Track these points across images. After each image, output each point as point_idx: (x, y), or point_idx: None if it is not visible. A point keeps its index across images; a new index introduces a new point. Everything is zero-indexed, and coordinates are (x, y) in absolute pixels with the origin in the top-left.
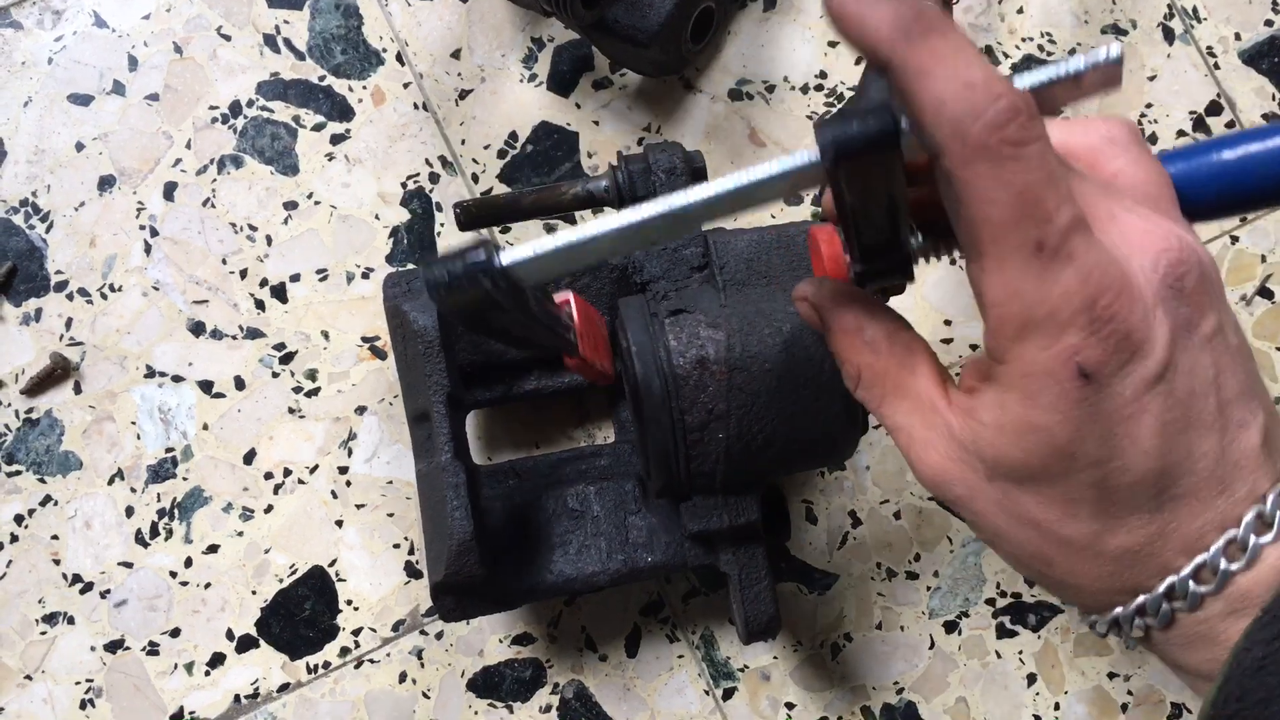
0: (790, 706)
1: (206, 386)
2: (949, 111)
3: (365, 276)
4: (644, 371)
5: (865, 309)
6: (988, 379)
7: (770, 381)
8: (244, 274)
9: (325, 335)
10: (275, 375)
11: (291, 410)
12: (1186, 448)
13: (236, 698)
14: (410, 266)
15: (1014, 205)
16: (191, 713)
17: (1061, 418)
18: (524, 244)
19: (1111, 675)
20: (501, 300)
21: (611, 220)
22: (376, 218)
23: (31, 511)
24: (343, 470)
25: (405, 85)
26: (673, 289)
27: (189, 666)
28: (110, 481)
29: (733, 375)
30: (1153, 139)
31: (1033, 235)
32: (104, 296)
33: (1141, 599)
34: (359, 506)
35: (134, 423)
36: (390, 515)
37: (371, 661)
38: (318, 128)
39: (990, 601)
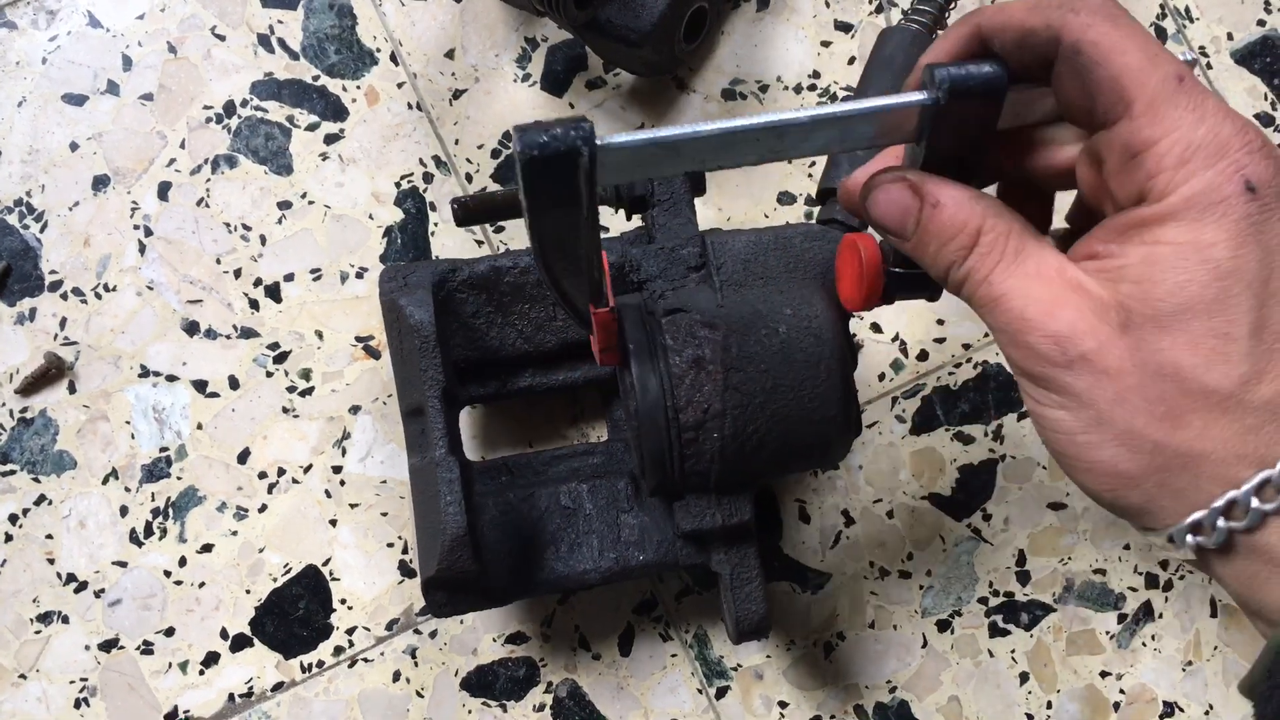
0: (783, 705)
1: (200, 386)
2: (1073, 1)
3: (359, 276)
4: (640, 370)
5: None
6: (1131, 228)
7: (766, 382)
8: (238, 274)
9: (319, 335)
10: (269, 375)
11: (285, 410)
12: None
13: (231, 697)
14: (404, 263)
15: (1143, 48)
16: (186, 712)
17: (1227, 235)
18: (618, 133)
19: (1104, 674)
20: (585, 185)
21: (706, 125)
22: (370, 217)
23: (26, 511)
24: (336, 469)
25: (399, 85)
26: (669, 288)
27: (183, 665)
28: (104, 481)
29: (729, 375)
30: None
31: (1171, 69)
32: (98, 296)
33: (1266, 473)
34: (353, 506)
35: (128, 422)
36: (384, 514)
37: (365, 660)
38: (312, 127)
39: (983, 600)
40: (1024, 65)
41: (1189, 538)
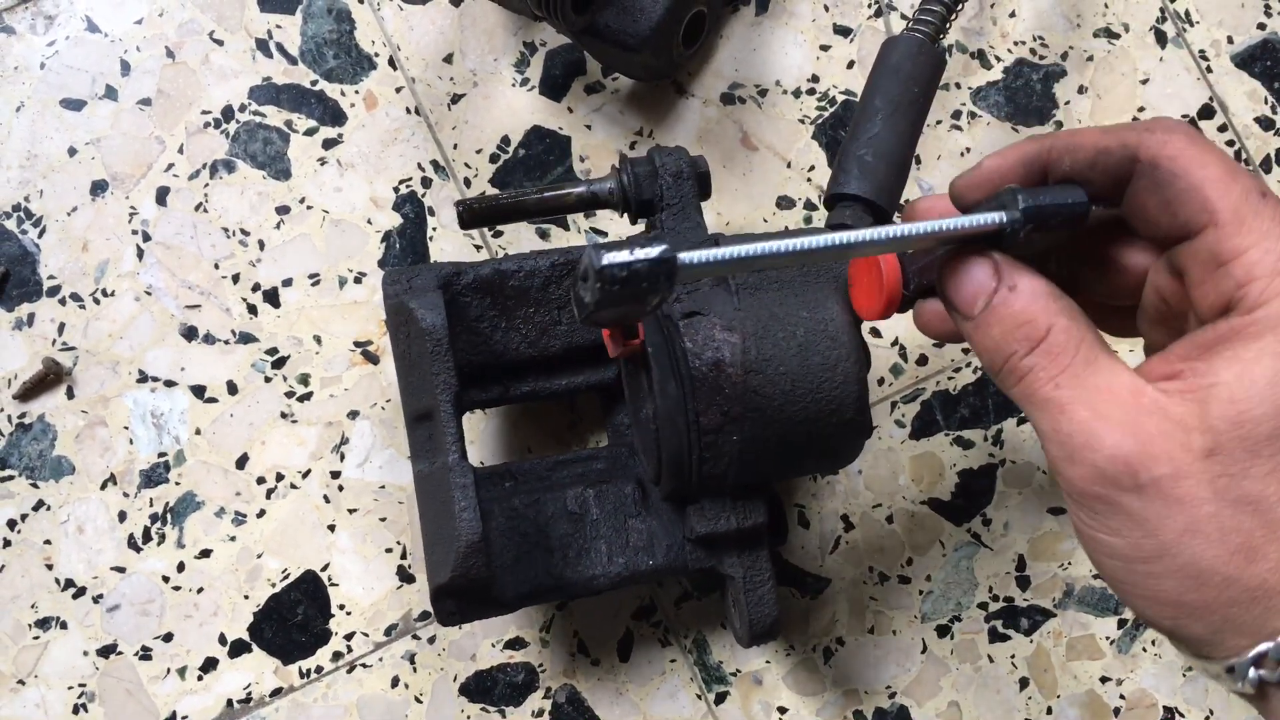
0: (783, 711)
1: (199, 391)
2: (1148, 123)
3: (358, 281)
4: (660, 374)
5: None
6: (1220, 343)
7: (785, 384)
8: (236, 279)
9: (317, 340)
10: (267, 380)
11: (284, 415)
12: None
13: (229, 702)
14: (407, 266)
15: (1221, 162)
16: (184, 717)
17: None
18: (698, 249)
19: (1104, 679)
20: (660, 301)
21: (784, 242)
22: (369, 222)
23: (24, 516)
24: (335, 475)
25: (397, 90)
26: (685, 291)
27: (181, 671)
28: (103, 486)
29: (749, 378)
30: None
31: (1252, 183)
32: (96, 301)
33: None
34: (351, 511)
35: (126, 427)
36: (383, 520)
37: (364, 666)
38: (310, 132)
39: (982, 606)
40: (1093, 184)
41: (1251, 671)
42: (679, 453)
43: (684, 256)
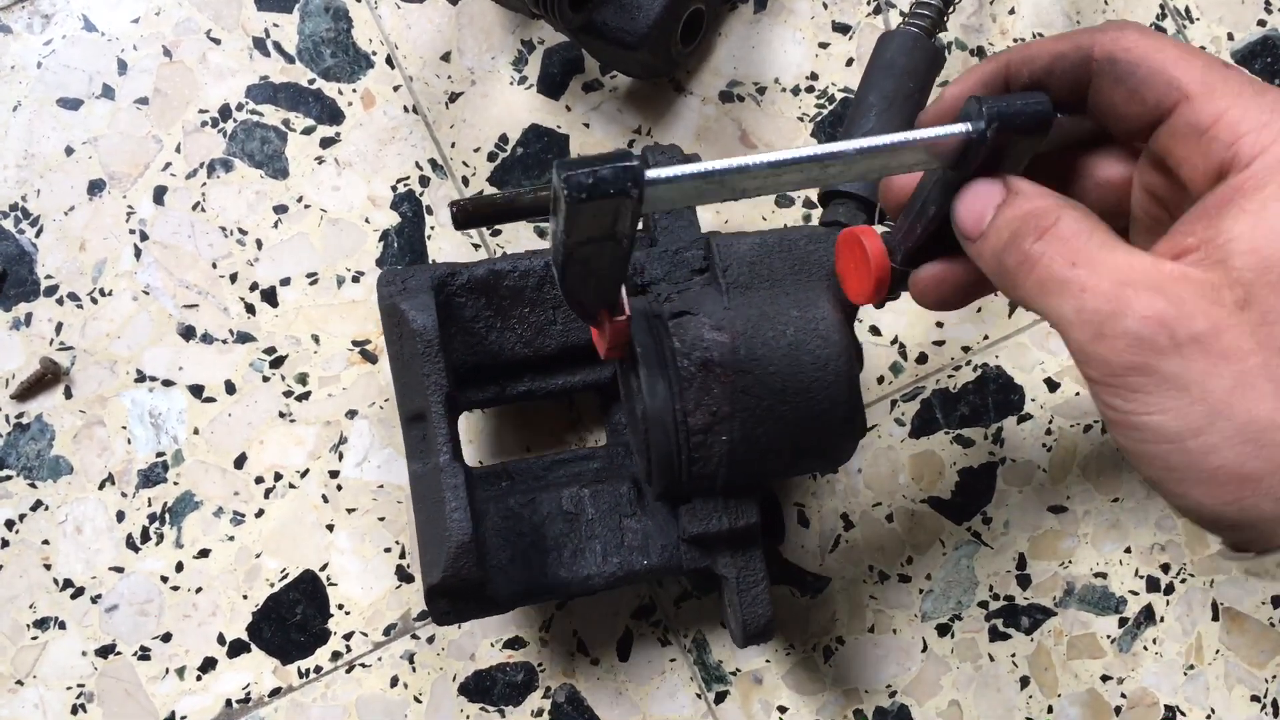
0: (783, 710)
1: (197, 391)
2: (1098, 26)
3: (355, 280)
4: (649, 373)
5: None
6: (1225, 204)
7: (775, 384)
8: (234, 278)
9: (315, 339)
10: (266, 379)
11: (282, 414)
12: None
13: (228, 702)
14: (403, 266)
15: (1175, 44)
16: (183, 718)
17: None
18: (664, 166)
19: (1105, 678)
20: (629, 222)
21: (755, 158)
22: (366, 221)
23: (22, 516)
24: (333, 474)
25: (395, 88)
26: (675, 291)
27: (180, 671)
28: (101, 486)
29: (738, 378)
30: None
31: (1213, 57)
32: (94, 301)
33: None
34: (350, 510)
35: (124, 427)
36: (381, 519)
37: (363, 666)
38: (307, 131)
39: (983, 604)
40: (1054, 91)
41: None
42: (668, 453)
43: (651, 172)
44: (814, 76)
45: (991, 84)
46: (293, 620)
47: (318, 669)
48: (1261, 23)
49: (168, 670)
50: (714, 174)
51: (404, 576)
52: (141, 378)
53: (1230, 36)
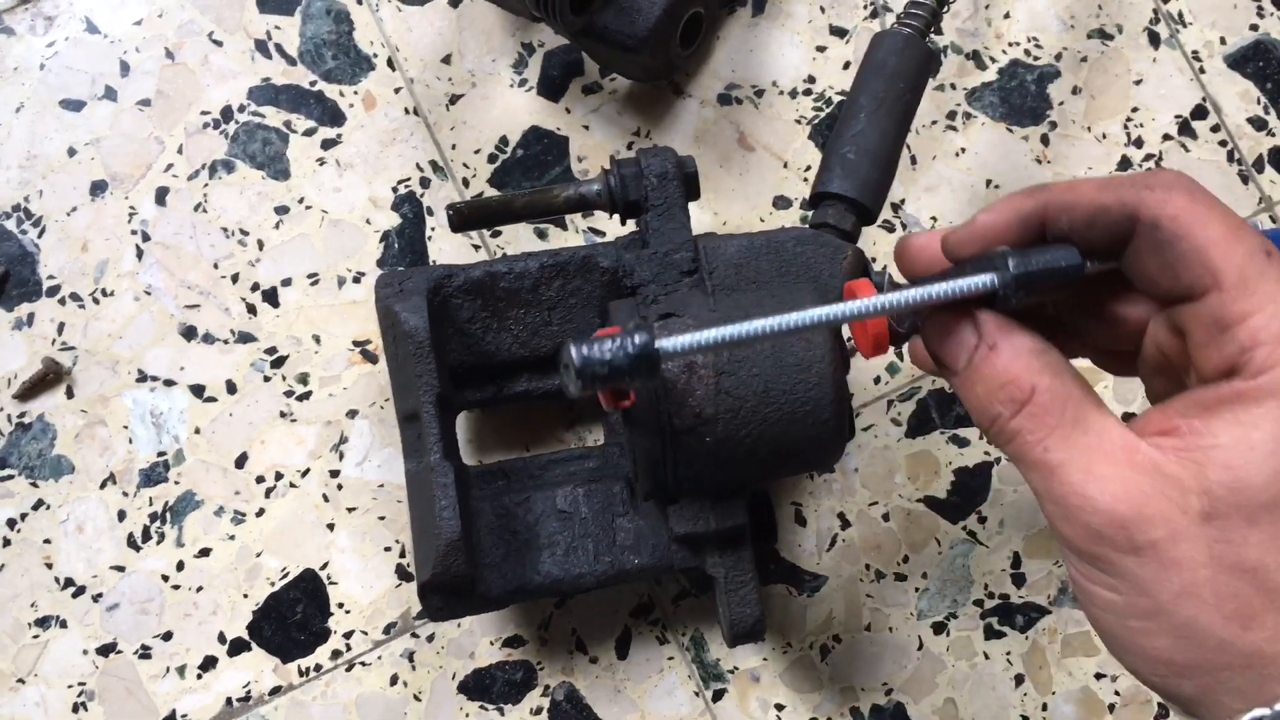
0: (780, 708)
1: (198, 391)
2: (1147, 178)
3: (356, 281)
4: None
5: (1037, 334)
6: (1221, 404)
7: (758, 386)
8: (235, 278)
9: (316, 339)
10: (267, 379)
11: (283, 414)
12: None
13: (228, 701)
14: (401, 268)
15: (1224, 220)
16: (183, 716)
17: None
18: (681, 335)
19: (1099, 675)
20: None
21: (765, 321)
22: (367, 222)
23: (24, 515)
24: (334, 474)
25: (396, 90)
26: (663, 293)
27: (181, 670)
28: (102, 485)
29: (720, 379)
30: (1138, 143)
31: (1257, 242)
32: (96, 301)
33: None
34: (350, 510)
35: (126, 427)
36: (381, 518)
37: (363, 664)
38: (309, 133)
39: (978, 603)
40: (1091, 242)
41: None
42: (653, 454)
43: (664, 344)
44: (811, 79)
45: (1028, 223)
46: (293, 619)
47: (318, 667)
48: (1254, 27)
49: (168, 669)
50: (725, 340)
51: (404, 575)
52: (143, 377)
53: (1223, 41)
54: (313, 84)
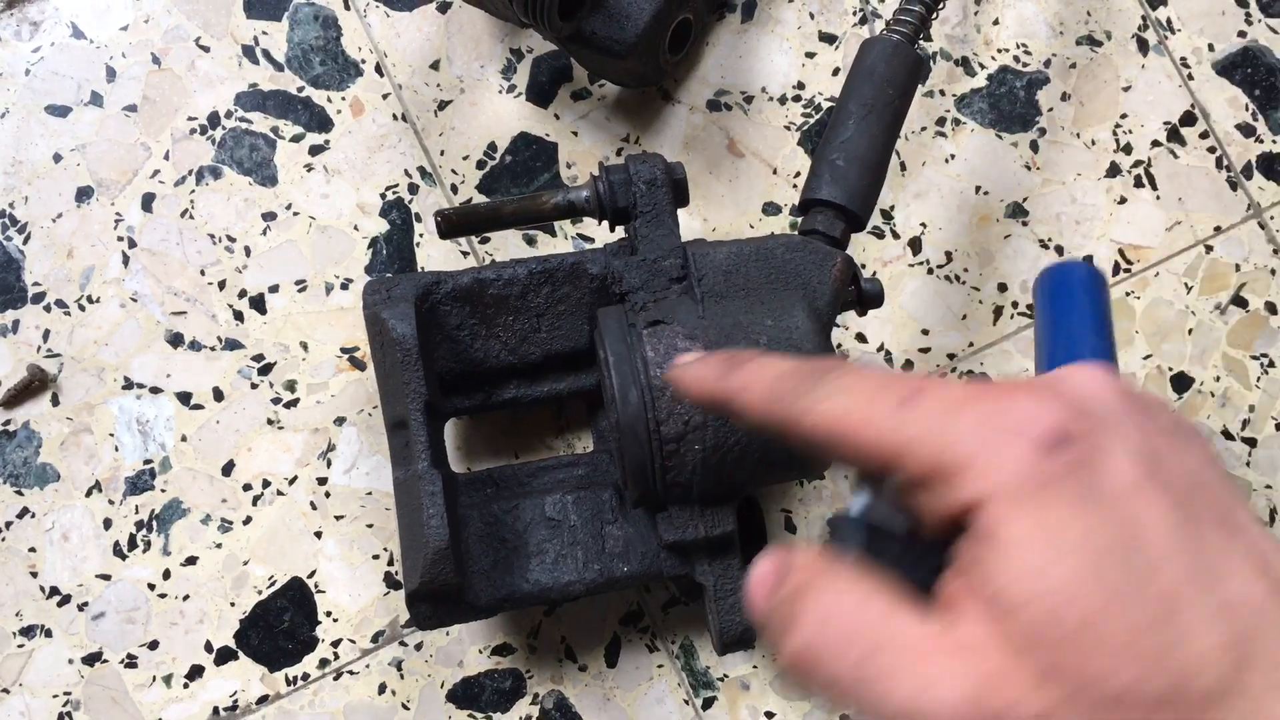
0: (770, 716)
1: (185, 398)
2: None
3: (344, 287)
4: (621, 382)
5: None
6: (973, 564)
7: None
8: (222, 285)
9: (304, 346)
10: (254, 386)
11: (270, 421)
12: None
13: (215, 710)
14: (389, 275)
15: (854, 407)
16: None
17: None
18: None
19: None
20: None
21: None
22: (355, 228)
23: (9, 524)
24: (322, 481)
25: (384, 96)
26: (651, 300)
27: (167, 679)
28: (88, 494)
29: None
30: (1127, 149)
31: (894, 394)
32: (81, 308)
33: None
34: (338, 518)
35: (112, 434)
36: (369, 526)
37: (351, 673)
38: (296, 139)
39: None
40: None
41: None
42: (641, 462)
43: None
44: (801, 86)
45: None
46: (280, 627)
47: (305, 676)
48: (1242, 34)
49: (155, 678)
50: None
51: (392, 583)
52: (129, 385)
53: (1211, 47)
54: (300, 90)
